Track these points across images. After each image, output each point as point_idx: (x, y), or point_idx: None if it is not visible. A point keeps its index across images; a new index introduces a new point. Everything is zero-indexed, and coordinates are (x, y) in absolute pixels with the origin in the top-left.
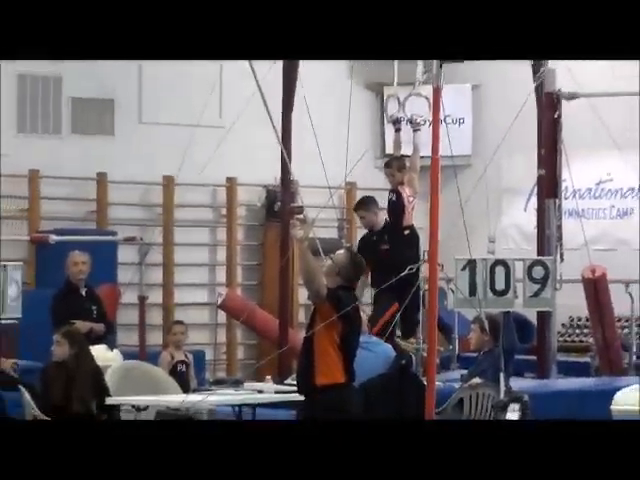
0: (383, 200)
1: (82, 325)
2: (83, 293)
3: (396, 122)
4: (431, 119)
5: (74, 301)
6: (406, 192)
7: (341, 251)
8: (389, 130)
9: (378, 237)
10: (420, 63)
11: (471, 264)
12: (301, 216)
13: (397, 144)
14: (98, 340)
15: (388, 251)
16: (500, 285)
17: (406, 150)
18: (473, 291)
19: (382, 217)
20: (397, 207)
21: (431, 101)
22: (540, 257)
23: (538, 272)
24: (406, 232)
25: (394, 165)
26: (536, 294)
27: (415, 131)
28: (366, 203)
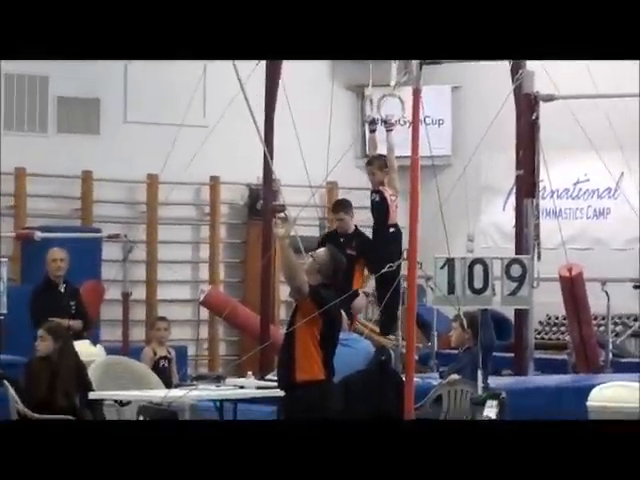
0: (364, 200)
1: (59, 322)
2: (62, 289)
3: (371, 123)
4: (405, 119)
5: (52, 297)
6: (388, 192)
7: (322, 249)
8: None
9: (346, 241)
10: (394, 64)
11: (450, 262)
12: (283, 214)
13: (373, 144)
14: (76, 336)
15: (353, 257)
16: (478, 283)
17: (382, 150)
18: (452, 289)
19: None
20: (382, 207)
21: (404, 102)
22: (518, 256)
23: (516, 270)
24: (391, 230)
25: (375, 164)
26: (514, 292)
27: (388, 131)
28: (345, 206)
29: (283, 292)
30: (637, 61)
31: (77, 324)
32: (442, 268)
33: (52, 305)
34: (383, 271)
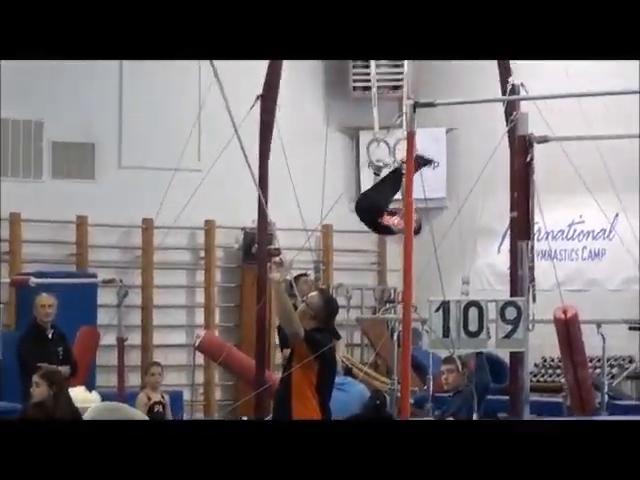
0: (358, 242)
1: (54, 368)
2: (50, 335)
3: (373, 166)
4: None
5: (40, 343)
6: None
7: (314, 293)
8: (364, 173)
9: None
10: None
11: (445, 305)
12: (278, 259)
13: None
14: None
15: None
16: (473, 326)
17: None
18: (447, 332)
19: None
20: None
21: (392, 146)
22: (513, 298)
23: (511, 313)
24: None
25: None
26: (509, 335)
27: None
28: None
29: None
30: (633, 99)
31: (65, 370)
32: (437, 311)
33: (40, 351)
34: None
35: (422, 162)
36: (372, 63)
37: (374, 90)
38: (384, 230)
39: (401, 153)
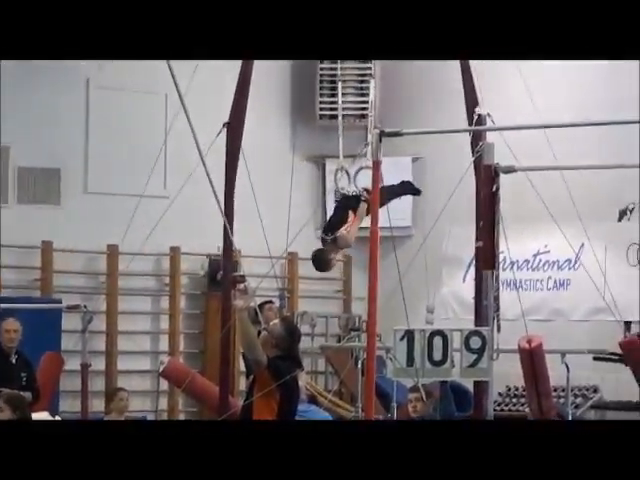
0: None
1: (18, 393)
2: (13, 360)
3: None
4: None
5: (3, 368)
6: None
7: (276, 321)
8: (330, 201)
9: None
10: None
11: (409, 334)
12: (242, 286)
13: None
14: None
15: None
16: (438, 355)
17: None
18: (411, 361)
19: None
20: None
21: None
22: (477, 327)
23: (475, 342)
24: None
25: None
26: (473, 364)
27: (364, 201)
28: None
29: (242, 363)
30: (599, 130)
31: (28, 395)
32: (401, 340)
33: (2, 375)
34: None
35: (411, 190)
36: (339, 92)
37: (340, 119)
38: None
39: (362, 181)
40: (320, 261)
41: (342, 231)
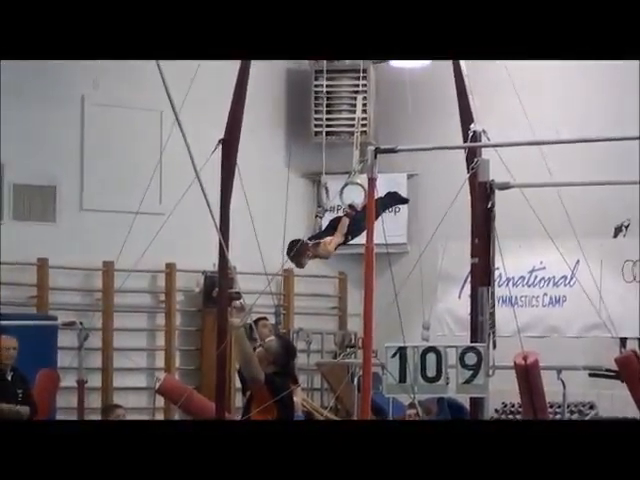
0: (319, 287)
1: (7, 407)
2: (9, 377)
3: (319, 209)
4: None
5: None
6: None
7: (272, 338)
8: (326, 217)
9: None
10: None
11: (402, 351)
12: (238, 303)
13: (316, 231)
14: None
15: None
16: (431, 372)
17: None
18: (404, 377)
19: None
20: None
21: (365, 190)
22: (473, 344)
23: (471, 358)
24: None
25: (295, 250)
26: (469, 380)
27: (346, 216)
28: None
29: (239, 380)
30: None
31: (25, 410)
32: (393, 357)
33: (1, 393)
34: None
35: (398, 200)
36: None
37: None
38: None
39: (349, 197)
40: (295, 250)
41: (325, 239)
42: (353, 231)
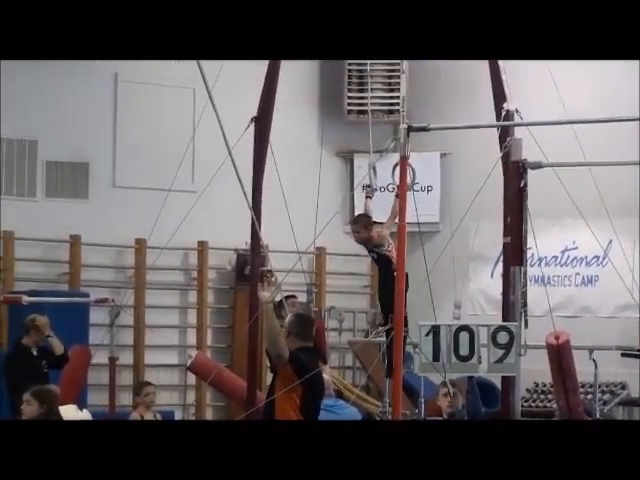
0: (351, 265)
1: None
2: (34, 352)
3: (368, 189)
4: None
5: (25, 363)
6: (384, 246)
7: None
8: (358, 196)
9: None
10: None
11: (435, 330)
12: (268, 276)
13: (366, 211)
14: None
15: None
16: (464, 350)
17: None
18: (437, 356)
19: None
20: (384, 260)
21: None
22: (505, 323)
23: (503, 337)
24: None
25: (360, 222)
26: (500, 359)
27: (397, 197)
28: (356, 221)
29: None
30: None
31: (55, 389)
32: (427, 335)
33: (25, 371)
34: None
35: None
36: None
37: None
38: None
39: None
40: (361, 222)
41: (376, 229)
42: None
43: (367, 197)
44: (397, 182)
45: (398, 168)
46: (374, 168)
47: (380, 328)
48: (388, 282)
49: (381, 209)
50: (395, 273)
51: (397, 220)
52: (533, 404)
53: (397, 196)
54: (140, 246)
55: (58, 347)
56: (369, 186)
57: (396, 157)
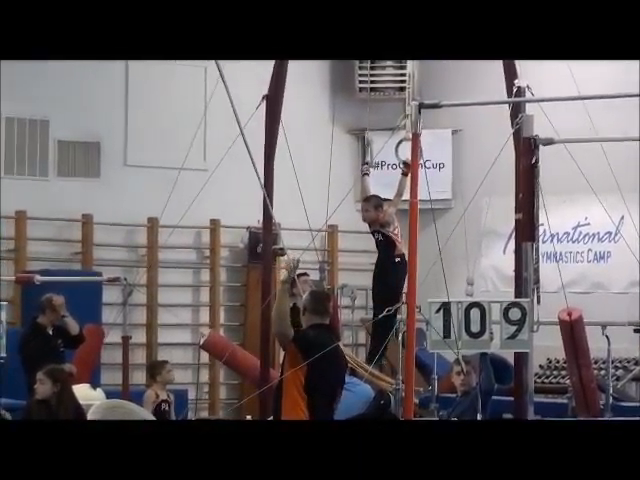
0: (364, 243)
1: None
2: (50, 332)
3: (365, 166)
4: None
5: (41, 342)
6: (390, 227)
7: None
8: (371, 174)
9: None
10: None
11: (445, 307)
12: (292, 259)
13: (364, 188)
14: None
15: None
16: (475, 327)
17: (383, 193)
18: (448, 333)
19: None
20: (387, 243)
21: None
22: (517, 299)
23: (515, 314)
24: (397, 259)
25: (372, 201)
26: (513, 336)
27: (403, 174)
28: (368, 200)
29: None
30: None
31: (68, 367)
32: (437, 312)
33: (42, 350)
34: (380, 317)
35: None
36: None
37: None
38: None
39: (404, 154)
40: (372, 201)
41: (385, 208)
42: None
43: (364, 174)
44: (401, 159)
45: (401, 146)
46: (369, 144)
47: (390, 308)
48: (385, 269)
49: (385, 185)
50: (397, 259)
51: (407, 197)
52: (546, 380)
53: (403, 174)
54: (152, 225)
55: (74, 327)
56: (366, 163)
57: (400, 135)
